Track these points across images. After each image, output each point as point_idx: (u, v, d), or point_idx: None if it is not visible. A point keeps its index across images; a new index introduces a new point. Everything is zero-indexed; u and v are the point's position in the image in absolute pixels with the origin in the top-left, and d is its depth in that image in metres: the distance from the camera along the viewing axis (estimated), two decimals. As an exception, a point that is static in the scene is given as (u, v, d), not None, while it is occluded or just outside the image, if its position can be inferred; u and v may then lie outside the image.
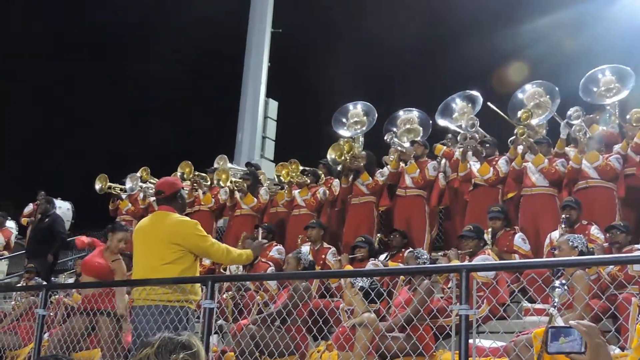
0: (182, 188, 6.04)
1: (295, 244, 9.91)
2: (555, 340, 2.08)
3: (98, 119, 23.19)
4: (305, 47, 23.05)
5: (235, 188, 11.19)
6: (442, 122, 10.64)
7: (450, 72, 20.10)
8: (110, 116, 23.51)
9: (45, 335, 7.16)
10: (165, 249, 5.44)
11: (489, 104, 10.36)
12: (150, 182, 12.19)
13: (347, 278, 7.08)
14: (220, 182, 11.26)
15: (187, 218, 5.73)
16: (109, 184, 12.70)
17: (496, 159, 9.55)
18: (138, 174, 12.29)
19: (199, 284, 5.65)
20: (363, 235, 8.97)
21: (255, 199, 11.05)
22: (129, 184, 12.26)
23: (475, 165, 9.58)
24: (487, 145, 9.72)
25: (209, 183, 11.60)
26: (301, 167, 11.02)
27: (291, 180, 10.66)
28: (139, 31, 23.07)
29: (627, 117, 8.89)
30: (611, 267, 6.70)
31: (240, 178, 11.48)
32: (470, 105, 10.51)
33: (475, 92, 10.59)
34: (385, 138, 10.29)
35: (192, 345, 2.48)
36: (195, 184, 11.61)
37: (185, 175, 11.69)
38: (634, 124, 8.62)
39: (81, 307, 6.88)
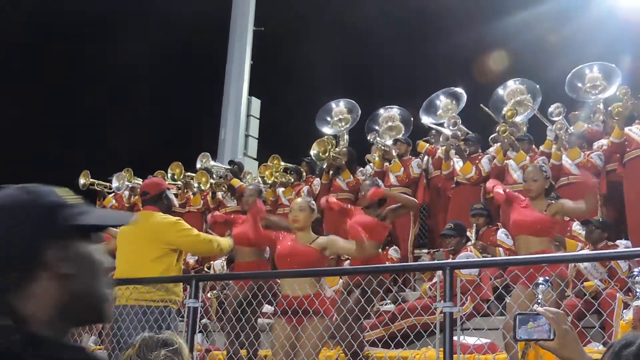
0: (168, 189, 6.03)
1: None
2: (524, 325, 2.10)
3: (77, 116, 22.86)
4: (287, 45, 22.99)
5: (216, 190, 11.18)
6: (426, 119, 10.65)
7: (433, 65, 20.11)
8: (90, 113, 23.21)
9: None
10: (149, 248, 5.45)
11: (481, 105, 10.37)
12: (134, 182, 12.13)
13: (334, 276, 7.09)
14: (201, 186, 11.25)
15: (170, 216, 5.73)
16: (91, 180, 12.62)
17: (479, 157, 9.55)
18: (124, 173, 12.23)
19: (181, 284, 5.64)
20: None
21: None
22: (115, 184, 12.18)
23: (458, 164, 9.59)
24: (470, 142, 9.74)
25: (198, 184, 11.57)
26: (282, 163, 11.02)
27: (275, 180, 10.66)
28: (118, 27, 22.86)
29: (609, 109, 8.95)
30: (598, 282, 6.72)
31: (220, 177, 11.46)
32: (454, 102, 10.53)
33: (459, 89, 10.60)
34: (368, 137, 10.30)
35: (173, 342, 2.49)
36: (186, 186, 11.59)
37: (175, 176, 11.67)
38: (615, 118, 8.68)
39: None
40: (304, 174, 10.99)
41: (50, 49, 23.01)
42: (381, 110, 10.76)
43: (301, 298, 5.64)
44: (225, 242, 5.95)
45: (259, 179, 11.19)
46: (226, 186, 11.10)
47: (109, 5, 23.39)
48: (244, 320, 6.50)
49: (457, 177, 9.51)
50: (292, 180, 10.72)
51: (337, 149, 10.28)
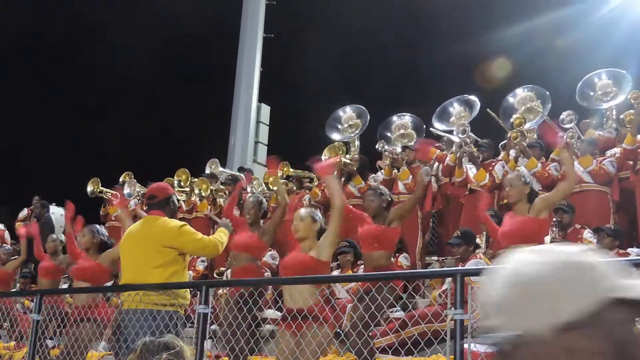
0: (174, 194, 6.04)
1: (282, 249, 9.91)
2: None
3: (79, 121, 22.84)
4: (297, 52, 23.02)
5: (217, 196, 11.20)
6: (439, 126, 10.62)
7: (442, 72, 20.09)
8: (93, 118, 23.20)
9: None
10: (155, 252, 5.44)
11: (488, 110, 10.35)
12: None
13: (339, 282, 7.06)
14: (201, 192, 11.27)
15: (176, 220, 5.75)
16: (100, 187, 12.63)
17: (493, 163, 9.50)
18: (135, 180, 12.24)
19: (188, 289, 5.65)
20: (346, 240, 8.83)
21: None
22: (127, 190, 12.19)
23: (471, 170, 9.53)
24: (483, 148, 9.69)
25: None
26: (292, 170, 11.03)
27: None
28: (125, 32, 22.90)
29: (621, 117, 8.90)
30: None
31: (222, 184, 11.48)
32: (467, 109, 10.48)
33: (473, 97, 10.55)
34: (376, 146, 10.28)
35: (174, 345, 2.50)
36: (193, 191, 11.61)
37: (182, 183, 11.68)
38: (628, 126, 8.63)
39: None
40: (315, 180, 10.98)
41: (53, 53, 23.13)
42: (394, 118, 10.75)
43: (301, 307, 5.60)
44: (225, 236, 6.01)
45: (264, 185, 11.21)
46: (227, 192, 11.12)
47: (116, 8, 23.50)
48: (241, 325, 6.46)
49: (471, 184, 9.44)
50: (294, 188, 10.74)
51: (348, 155, 10.27)
